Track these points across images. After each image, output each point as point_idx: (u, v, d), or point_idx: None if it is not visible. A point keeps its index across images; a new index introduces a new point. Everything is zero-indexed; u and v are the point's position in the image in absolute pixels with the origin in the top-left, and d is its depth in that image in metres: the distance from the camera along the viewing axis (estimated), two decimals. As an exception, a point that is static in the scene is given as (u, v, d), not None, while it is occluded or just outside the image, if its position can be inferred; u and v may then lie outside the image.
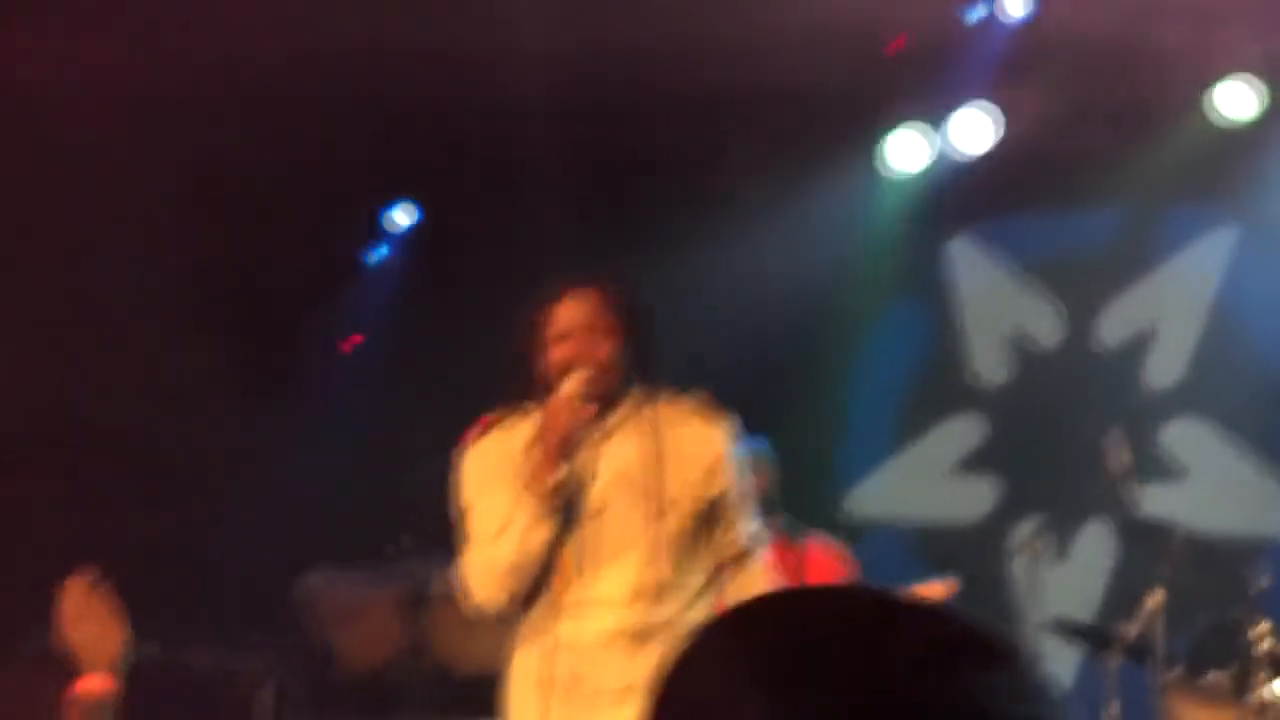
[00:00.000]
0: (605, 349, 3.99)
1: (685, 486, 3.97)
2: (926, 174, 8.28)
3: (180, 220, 7.73)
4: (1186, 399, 8.00)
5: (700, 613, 4.01)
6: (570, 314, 4.02)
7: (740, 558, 4.09)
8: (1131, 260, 8.24)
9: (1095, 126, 7.98)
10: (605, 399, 3.98)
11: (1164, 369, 8.09)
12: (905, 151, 8.26)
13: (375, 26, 7.20)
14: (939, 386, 8.41)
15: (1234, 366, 7.89)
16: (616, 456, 3.97)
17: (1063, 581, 7.70)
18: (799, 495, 6.40)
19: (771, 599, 1.21)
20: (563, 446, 3.88)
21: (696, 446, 4.02)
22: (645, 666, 3.84)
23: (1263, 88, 7.69)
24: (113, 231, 7.60)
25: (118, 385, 7.81)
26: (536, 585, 3.97)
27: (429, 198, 8.83)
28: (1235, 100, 7.73)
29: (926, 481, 8.31)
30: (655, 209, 8.36)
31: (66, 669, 3.22)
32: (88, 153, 7.34)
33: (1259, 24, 7.61)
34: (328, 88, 7.46)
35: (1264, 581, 5.95)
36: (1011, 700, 1.14)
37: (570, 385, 3.91)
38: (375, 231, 8.98)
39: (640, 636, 3.92)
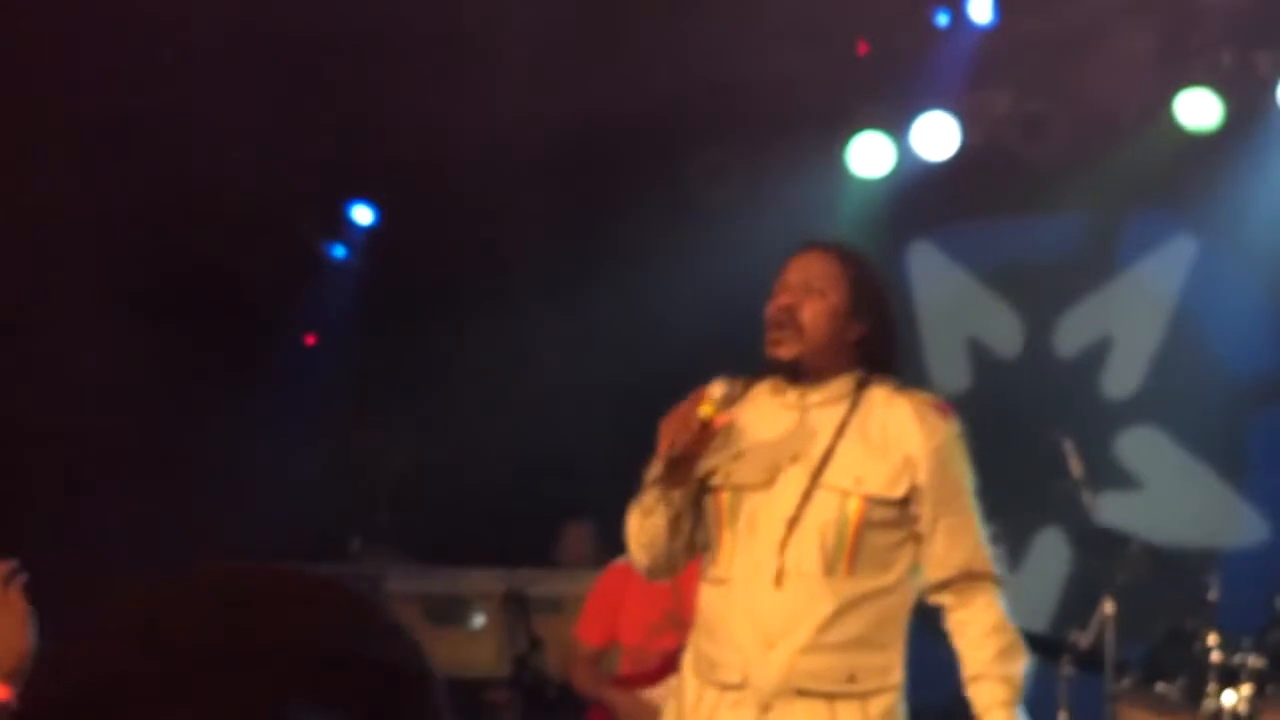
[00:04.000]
0: (814, 311, 3.76)
1: (862, 476, 3.69)
2: (889, 179, 8.28)
3: (142, 213, 7.70)
4: (1143, 408, 8.02)
5: (864, 625, 3.70)
6: (797, 268, 3.82)
7: (949, 584, 3.77)
8: (1091, 268, 8.26)
9: (1058, 133, 7.99)
10: (805, 369, 3.76)
11: (1121, 378, 8.10)
12: (868, 156, 8.26)
13: (345, 20, 7.18)
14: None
15: (1191, 377, 7.90)
16: (803, 432, 3.73)
17: (1017, 589, 7.69)
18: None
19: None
20: (672, 457, 3.64)
21: (891, 436, 3.72)
22: (774, 666, 3.62)
23: (1225, 97, 7.71)
24: (75, 224, 7.56)
25: (78, 378, 7.77)
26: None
27: (393, 198, 8.80)
28: (1198, 109, 7.75)
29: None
30: (617, 212, 8.35)
31: None
32: (57, 145, 7.30)
33: (1222, 33, 7.63)
34: (296, 85, 7.43)
35: (1216, 592, 5.97)
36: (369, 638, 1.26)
37: (699, 397, 3.67)
38: (340, 228, 8.95)
39: (770, 627, 3.64)
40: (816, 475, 3.68)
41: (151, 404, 7.95)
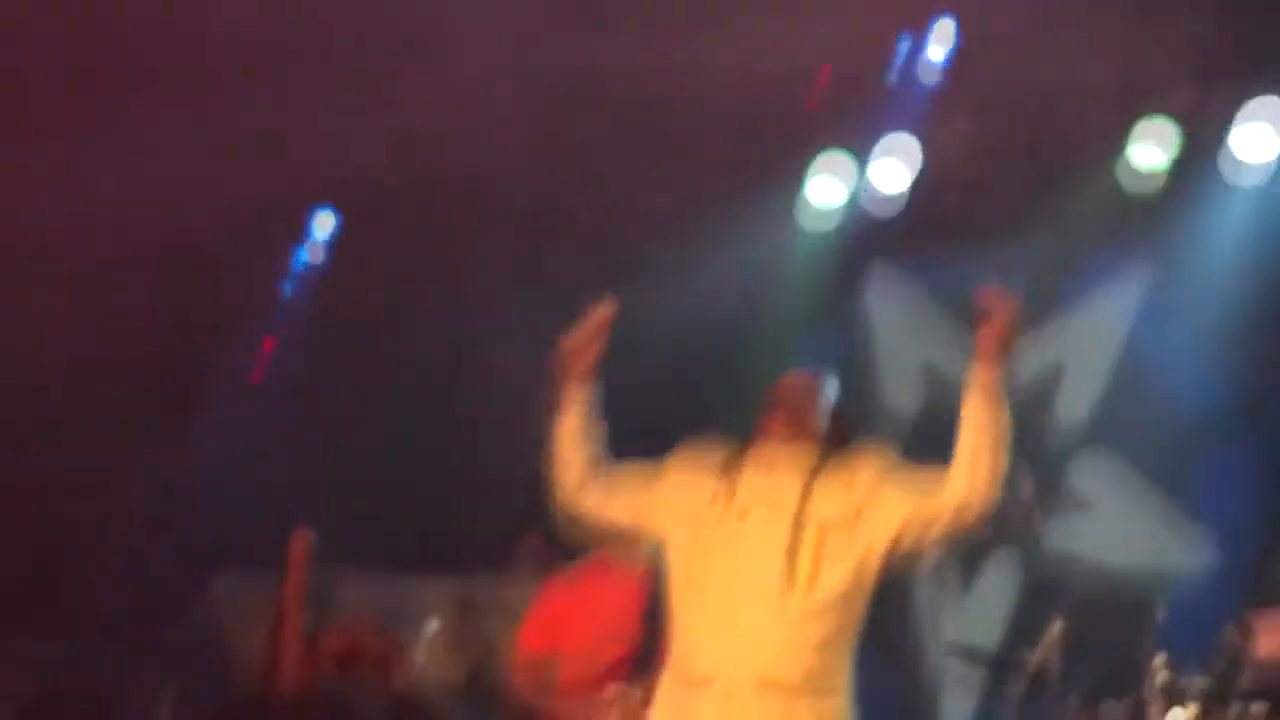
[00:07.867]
0: (810, 411, 4.56)
1: (815, 510, 4.37)
2: (846, 209, 8.35)
3: (92, 256, 7.68)
4: (1093, 436, 8.08)
5: (834, 622, 4.31)
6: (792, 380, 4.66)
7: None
8: (1044, 299, 8.32)
9: (1013, 168, 8.08)
10: (786, 435, 4.46)
11: (1073, 405, 8.17)
12: (826, 187, 8.33)
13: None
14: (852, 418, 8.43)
15: (1141, 406, 7.98)
16: (770, 483, 4.41)
17: (967, 611, 7.77)
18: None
19: None
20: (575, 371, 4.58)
21: (841, 474, 4.45)
22: (739, 662, 4.22)
23: (1179, 133, 7.81)
24: (26, 267, 7.55)
25: (28, 408, 7.75)
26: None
27: (345, 228, 8.80)
28: (1151, 145, 7.84)
29: (837, 511, 8.32)
30: (574, 243, 8.40)
31: None
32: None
33: (1178, 70, 7.73)
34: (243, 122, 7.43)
35: (1162, 614, 6.02)
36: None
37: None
38: (287, 267, 8.92)
39: (737, 633, 4.26)
40: (780, 513, 4.36)
41: (105, 435, 7.93)
